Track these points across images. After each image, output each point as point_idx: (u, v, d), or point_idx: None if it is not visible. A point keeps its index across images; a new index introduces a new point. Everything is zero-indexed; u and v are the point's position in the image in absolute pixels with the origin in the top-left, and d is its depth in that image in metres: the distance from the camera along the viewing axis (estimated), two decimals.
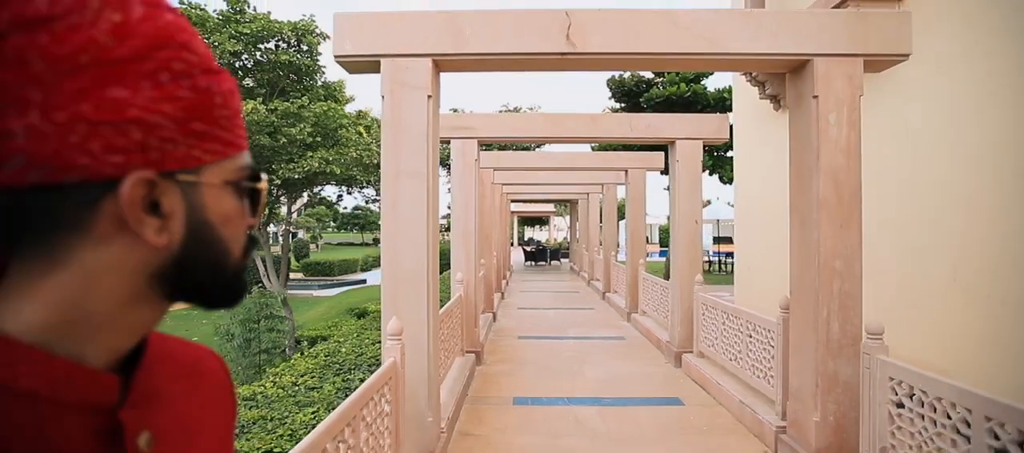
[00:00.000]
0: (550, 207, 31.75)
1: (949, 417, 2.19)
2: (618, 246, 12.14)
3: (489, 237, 8.85)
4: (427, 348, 3.06)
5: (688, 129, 5.66)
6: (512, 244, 27.77)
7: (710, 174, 14.35)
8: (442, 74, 3.28)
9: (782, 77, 3.83)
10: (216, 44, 9.15)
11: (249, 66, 10.40)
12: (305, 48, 11.66)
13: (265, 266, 12.94)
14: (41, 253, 0.38)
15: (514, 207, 27.36)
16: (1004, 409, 1.93)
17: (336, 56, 3.04)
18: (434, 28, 3.04)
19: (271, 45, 10.69)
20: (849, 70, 3.00)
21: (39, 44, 0.35)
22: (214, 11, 10.00)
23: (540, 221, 46.87)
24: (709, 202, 23.56)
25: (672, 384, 5.09)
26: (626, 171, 8.47)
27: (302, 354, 5.91)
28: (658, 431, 3.91)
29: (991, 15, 3.23)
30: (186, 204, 0.41)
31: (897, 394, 2.50)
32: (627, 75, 13.70)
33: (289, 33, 11.08)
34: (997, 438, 1.97)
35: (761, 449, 3.57)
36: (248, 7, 10.18)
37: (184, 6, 9.16)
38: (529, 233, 49.56)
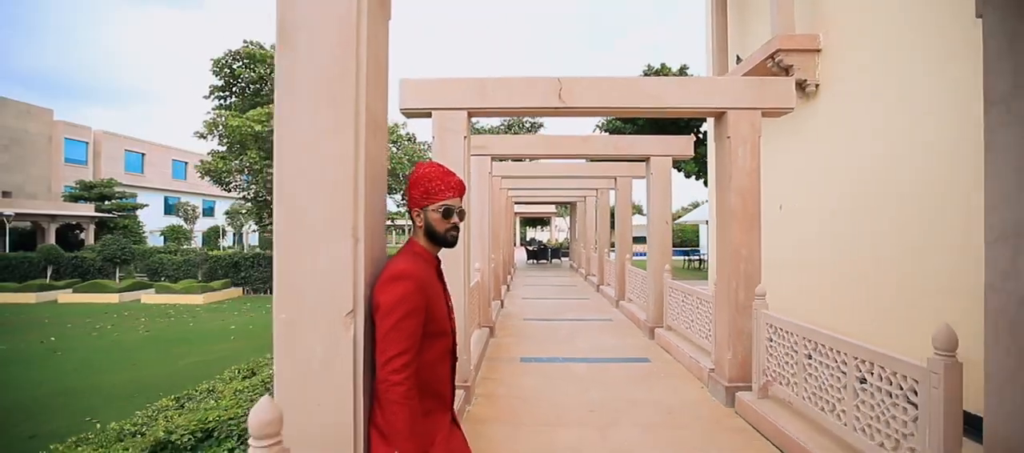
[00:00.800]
0: (552, 208, 33.18)
1: (787, 341, 3.58)
2: (611, 244, 13.52)
3: (498, 235, 10.25)
4: (464, 308, 4.45)
5: (660, 148, 7.05)
6: (515, 244, 29.14)
7: (697, 179, 15.72)
8: (472, 118, 4.68)
9: None
10: (274, 78, 10.71)
11: None
12: None
13: None
14: (416, 227, 1.79)
15: (517, 208, 28.76)
16: (803, 329, 3.33)
17: (401, 108, 4.44)
18: (468, 90, 4.44)
19: None
20: (751, 119, 4.39)
21: (412, 193, 1.76)
22: (269, 45, 11.44)
23: (542, 222, 48.29)
24: (703, 203, 24.89)
25: (644, 350, 6.47)
26: (615, 178, 9.86)
27: None
28: (628, 377, 5.29)
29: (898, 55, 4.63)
30: (425, 216, 1.80)
31: (768, 333, 3.89)
32: None
33: None
34: (806, 347, 3.37)
35: (699, 386, 4.96)
36: None
37: (246, 45, 10.63)
38: (531, 233, 50.93)
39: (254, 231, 43.67)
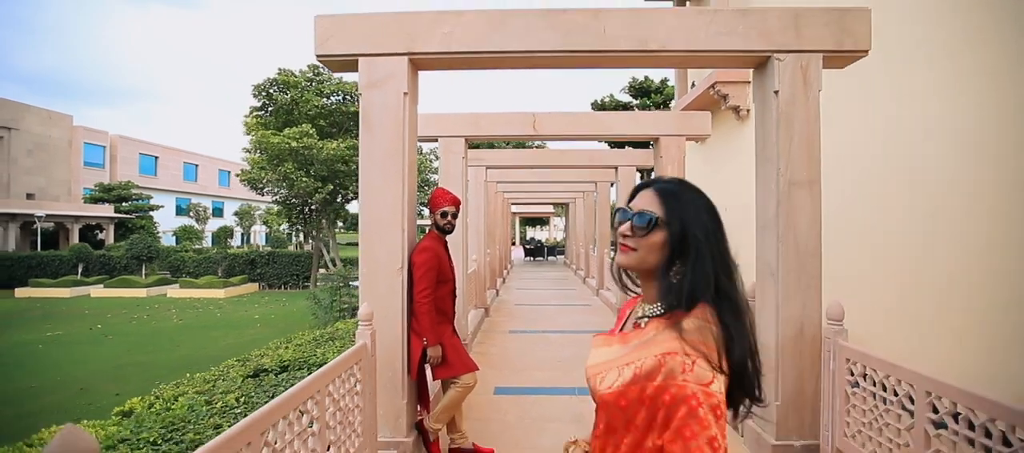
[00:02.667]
0: (550, 208, 34.63)
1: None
2: (595, 241, 14.96)
3: (493, 233, 11.72)
4: (462, 291, 5.91)
5: (625, 160, 8.50)
6: (514, 243, 30.59)
7: None
8: (468, 142, 6.15)
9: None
10: (306, 100, 12.31)
11: (325, 114, 13.55)
12: None
13: (328, 256, 16.63)
14: (432, 223, 3.27)
15: (517, 208, 30.19)
16: None
17: (419, 137, 5.90)
18: (465, 122, 5.90)
19: (339, 98, 13.87)
20: (678, 143, 5.85)
21: (429, 205, 3.25)
22: (298, 71, 13.12)
23: (541, 221, 49.83)
24: None
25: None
26: (596, 183, 11.32)
27: None
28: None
29: None
30: (434, 217, 3.28)
31: None
32: (607, 100, 16.73)
33: (354, 90, 14.38)
34: None
35: None
36: (325, 71, 13.33)
37: (280, 73, 12.25)
38: (531, 232, 52.43)
39: (261, 231, 45.28)
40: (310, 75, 15.20)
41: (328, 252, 18.49)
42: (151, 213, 34.24)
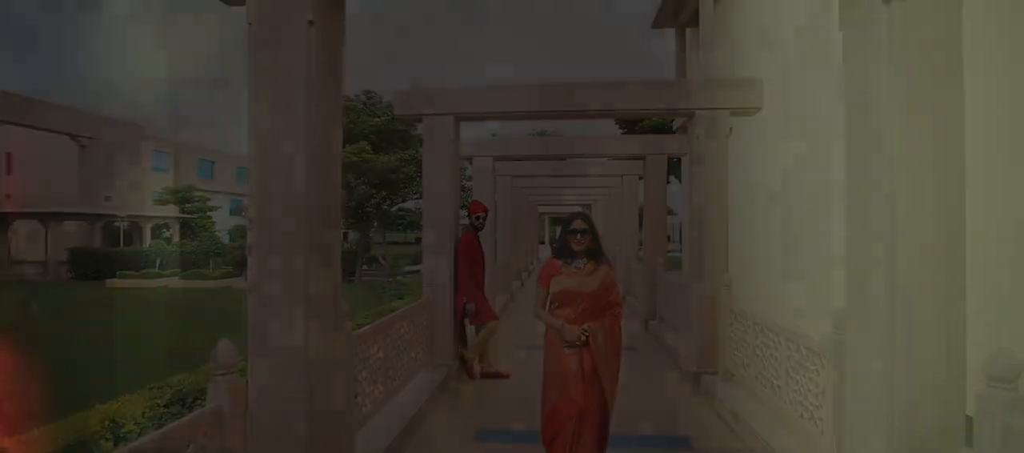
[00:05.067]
0: (578, 209, 35.96)
1: (666, 285, 6.56)
2: None
3: (518, 231, 13.40)
4: (491, 279, 7.61)
5: (626, 169, 10.01)
6: (542, 243, 32.10)
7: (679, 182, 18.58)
8: (495, 160, 7.83)
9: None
10: (362, 122, 14.70)
11: (376, 131, 16.04)
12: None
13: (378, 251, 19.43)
14: (470, 222, 4.98)
15: (547, 208, 31.63)
16: (670, 281, 6.32)
17: (463, 156, 7.63)
18: (496, 145, 7.59)
19: (388, 117, 16.28)
20: (661, 160, 7.36)
21: (469, 211, 4.96)
22: (354, 95, 15.55)
23: None
24: None
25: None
26: (609, 189, 12.84)
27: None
28: None
29: None
30: (470, 219, 4.97)
31: (661, 283, 6.86)
32: None
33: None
34: (674, 289, 6.35)
35: (641, 326, 7.96)
36: (375, 95, 15.67)
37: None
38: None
39: None
40: (364, 99, 18.02)
41: (372, 249, 21.06)
42: (210, 213, 37.48)
